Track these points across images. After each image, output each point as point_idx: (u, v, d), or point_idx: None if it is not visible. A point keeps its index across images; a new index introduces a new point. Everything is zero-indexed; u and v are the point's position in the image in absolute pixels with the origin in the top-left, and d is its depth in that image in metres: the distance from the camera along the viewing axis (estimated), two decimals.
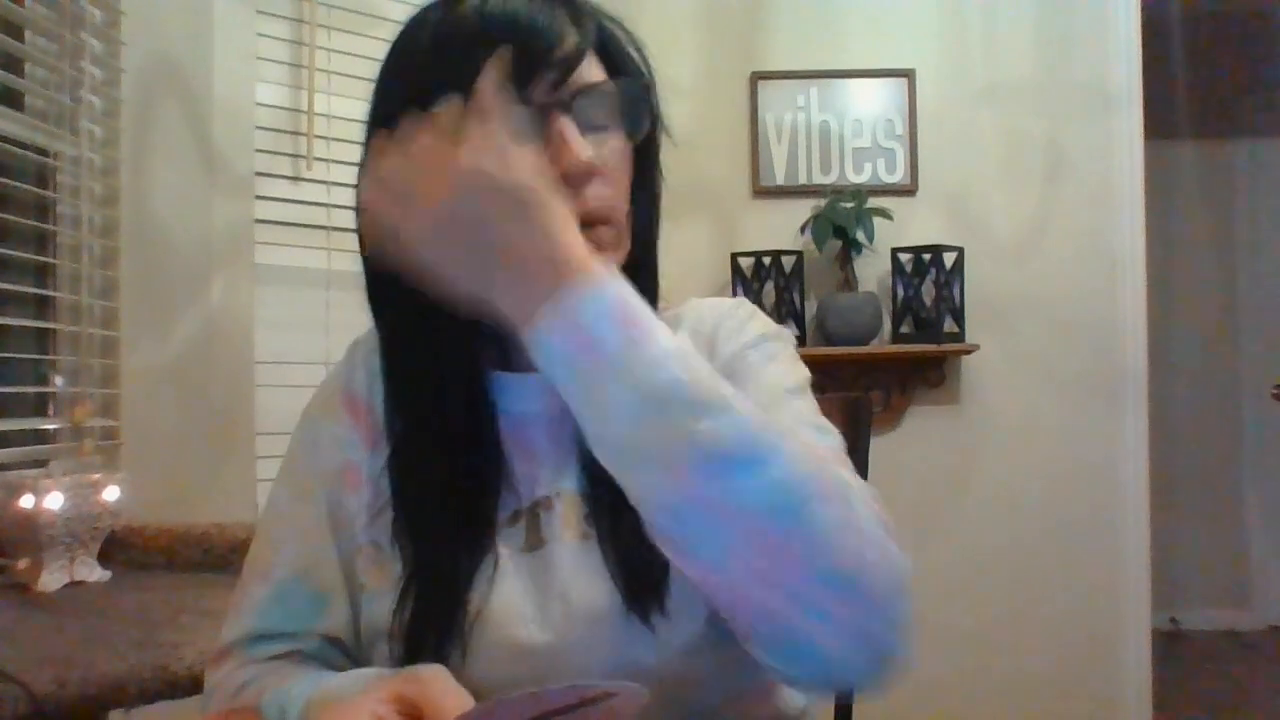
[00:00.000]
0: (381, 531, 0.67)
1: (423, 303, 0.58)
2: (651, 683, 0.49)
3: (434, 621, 0.63)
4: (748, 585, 0.51)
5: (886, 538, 0.53)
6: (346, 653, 0.69)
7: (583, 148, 0.60)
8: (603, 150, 0.63)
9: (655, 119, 0.68)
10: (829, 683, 0.61)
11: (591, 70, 0.63)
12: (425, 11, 0.64)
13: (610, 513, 0.64)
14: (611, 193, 0.63)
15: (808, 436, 0.64)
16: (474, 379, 0.68)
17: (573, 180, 0.59)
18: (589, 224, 0.60)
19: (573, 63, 0.61)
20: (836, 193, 2.43)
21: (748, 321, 0.73)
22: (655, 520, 0.52)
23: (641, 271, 0.67)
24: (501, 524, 0.67)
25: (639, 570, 0.62)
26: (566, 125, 0.60)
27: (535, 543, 0.66)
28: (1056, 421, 2.53)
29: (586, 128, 0.62)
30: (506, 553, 0.65)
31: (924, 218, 2.52)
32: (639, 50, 0.68)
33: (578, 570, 0.64)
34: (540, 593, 0.64)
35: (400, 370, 0.68)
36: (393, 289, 0.60)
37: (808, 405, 0.69)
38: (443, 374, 0.66)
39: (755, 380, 0.67)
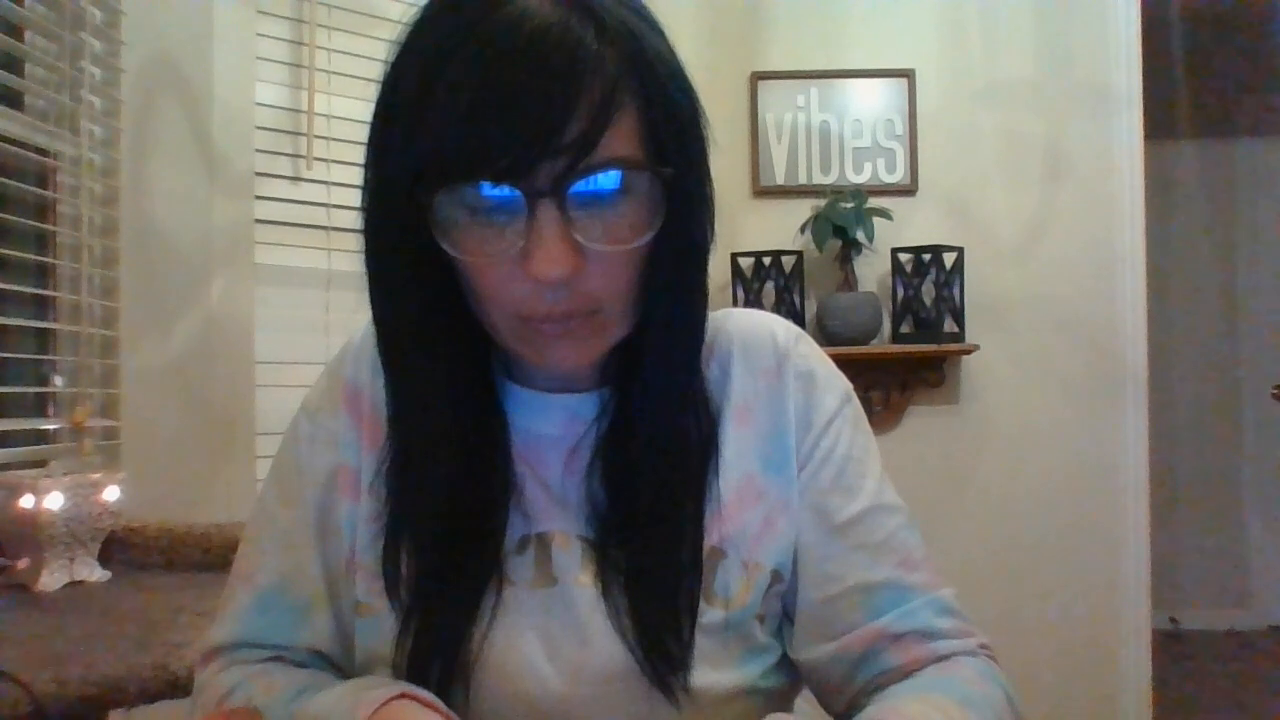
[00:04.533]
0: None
1: (431, 297, 0.57)
2: None
3: (438, 656, 0.59)
4: None
5: None
6: (332, 663, 0.67)
7: (554, 266, 0.51)
8: (603, 228, 0.53)
9: (692, 141, 0.58)
10: None
11: (613, 145, 0.51)
12: (420, 34, 0.54)
13: (626, 568, 0.60)
14: (602, 281, 0.55)
15: (904, 540, 0.64)
16: (486, 383, 0.64)
17: (545, 284, 0.53)
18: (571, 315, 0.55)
19: (584, 148, 0.50)
20: (836, 193, 2.43)
21: (816, 387, 0.67)
22: None
23: (676, 319, 0.60)
24: (509, 550, 0.62)
25: (660, 637, 0.59)
26: (545, 231, 0.51)
27: (546, 580, 0.62)
28: (1056, 421, 2.53)
29: (590, 203, 0.52)
30: (514, 585, 0.61)
31: (924, 218, 2.52)
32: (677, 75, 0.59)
33: (594, 619, 0.60)
34: (552, 636, 0.60)
35: (403, 367, 0.61)
36: (402, 279, 0.58)
37: (887, 484, 0.67)
38: (452, 373, 0.60)
39: (848, 476, 0.65)
